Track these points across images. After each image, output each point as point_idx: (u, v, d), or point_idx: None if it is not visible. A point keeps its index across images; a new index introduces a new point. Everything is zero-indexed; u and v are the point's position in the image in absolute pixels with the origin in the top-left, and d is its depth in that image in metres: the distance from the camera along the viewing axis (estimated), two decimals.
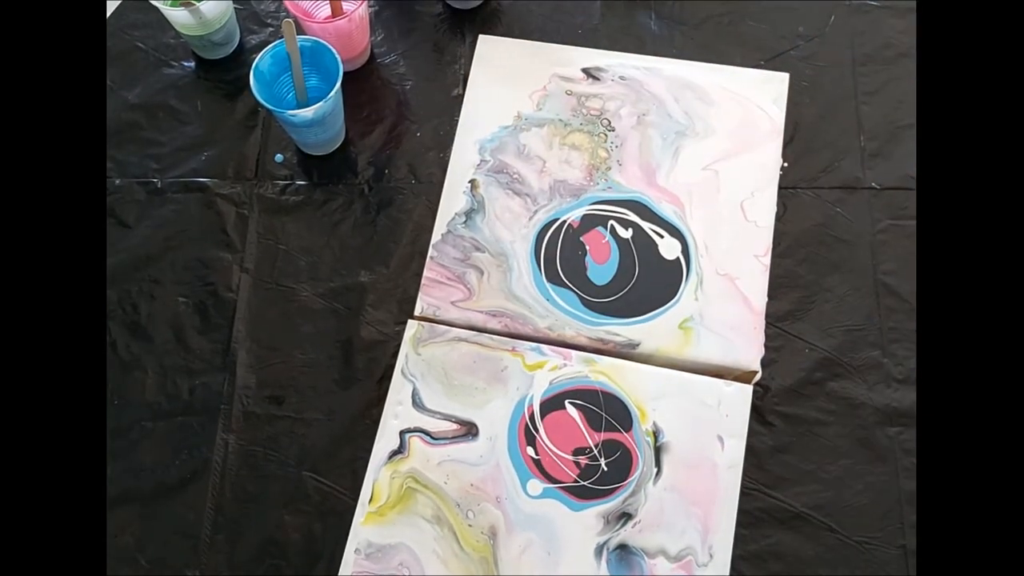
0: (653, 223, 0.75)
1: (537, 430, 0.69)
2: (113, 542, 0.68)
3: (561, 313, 0.72)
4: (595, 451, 0.68)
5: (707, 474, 0.67)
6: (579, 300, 0.73)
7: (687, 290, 0.73)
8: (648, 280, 0.73)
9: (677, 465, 0.67)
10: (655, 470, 0.67)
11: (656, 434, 0.68)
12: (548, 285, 0.73)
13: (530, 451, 0.68)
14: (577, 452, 0.68)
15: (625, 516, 0.66)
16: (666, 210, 0.75)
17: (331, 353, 0.73)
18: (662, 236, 0.75)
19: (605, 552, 0.65)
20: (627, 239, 0.75)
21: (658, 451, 0.68)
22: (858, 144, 0.78)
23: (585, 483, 0.67)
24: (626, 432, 0.68)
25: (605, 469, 0.67)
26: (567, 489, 0.67)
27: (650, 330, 0.71)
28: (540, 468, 0.68)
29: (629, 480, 0.67)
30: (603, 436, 0.68)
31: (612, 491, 0.67)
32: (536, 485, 0.67)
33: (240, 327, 0.74)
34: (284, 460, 0.70)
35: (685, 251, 0.74)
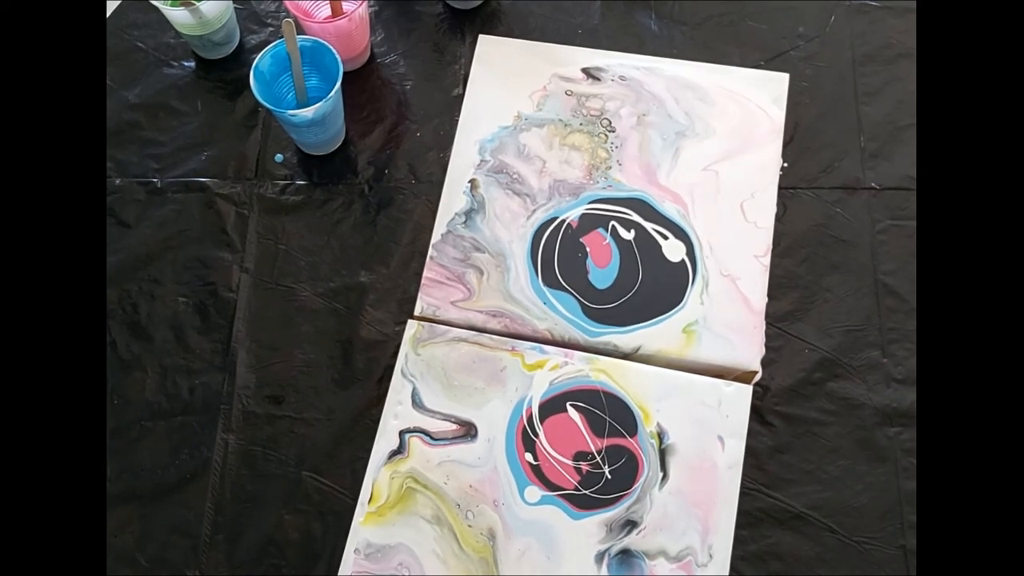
0: (656, 223, 0.75)
1: (536, 434, 0.68)
2: (113, 542, 0.68)
3: (560, 318, 0.72)
4: (598, 458, 0.68)
5: (707, 475, 0.67)
6: (579, 306, 0.72)
7: (693, 293, 0.72)
8: (652, 284, 0.73)
9: (681, 467, 0.67)
10: (660, 475, 0.67)
11: (661, 436, 0.68)
12: (545, 289, 0.73)
13: (528, 457, 0.68)
14: (578, 457, 0.68)
15: (630, 524, 0.66)
16: (669, 209, 0.75)
17: (331, 353, 0.73)
18: (666, 237, 0.75)
19: (607, 558, 0.65)
20: (629, 240, 0.75)
21: (663, 454, 0.67)
22: (858, 144, 0.78)
23: (587, 492, 0.67)
24: (631, 437, 0.68)
25: (609, 477, 0.67)
26: (567, 497, 0.67)
27: (653, 334, 0.71)
28: (539, 474, 0.67)
29: (634, 487, 0.67)
30: (607, 442, 0.68)
31: (615, 500, 0.66)
32: (534, 492, 0.67)
33: (240, 327, 0.74)
34: (284, 460, 0.70)
35: (691, 253, 0.74)
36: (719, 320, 0.71)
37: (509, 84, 0.81)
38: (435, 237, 0.76)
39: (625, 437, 0.68)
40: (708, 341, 0.71)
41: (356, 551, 0.66)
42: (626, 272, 0.73)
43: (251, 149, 0.81)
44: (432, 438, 0.69)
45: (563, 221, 0.75)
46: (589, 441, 0.68)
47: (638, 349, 0.71)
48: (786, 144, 0.78)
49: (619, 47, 0.83)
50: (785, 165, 0.77)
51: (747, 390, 0.69)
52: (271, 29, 0.86)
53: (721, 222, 0.75)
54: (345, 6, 0.80)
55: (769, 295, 0.72)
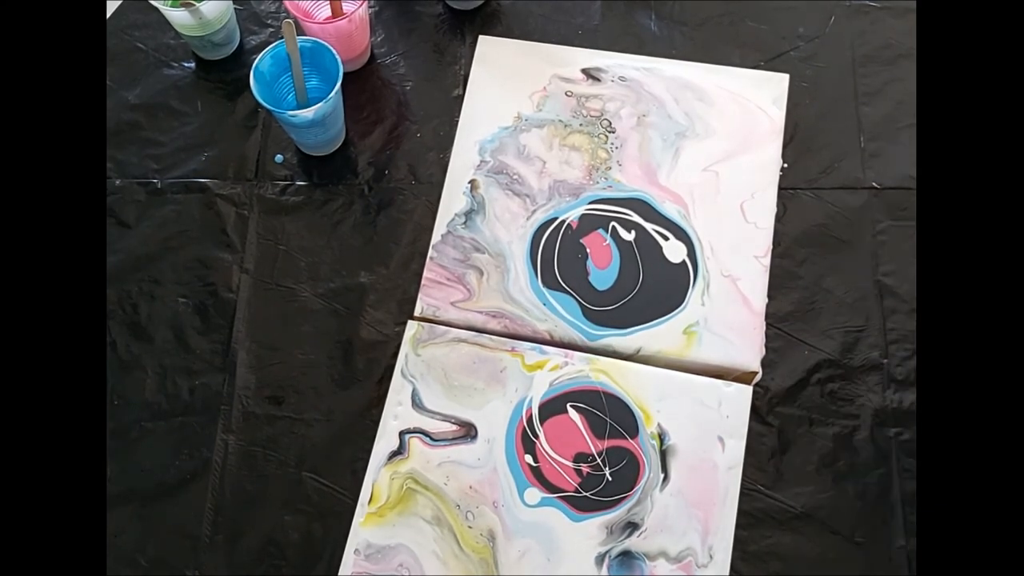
0: (657, 224, 0.75)
1: (536, 436, 0.68)
2: (113, 542, 0.68)
3: (560, 320, 0.72)
4: (599, 460, 0.67)
5: (708, 475, 0.67)
6: (579, 308, 0.72)
7: (694, 295, 0.72)
8: (653, 285, 0.73)
9: (682, 468, 0.67)
10: (662, 476, 0.67)
11: (662, 437, 0.68)
12: (545, 290, 0.73)
13: (528, 459, 0.68)
14: (579, 459, 0.68)
15: (631, 526, 0.66)
16: (670, 210, 0.75)
17: (331, 353, 0.73)
18: (667, 238, 0.74)
19: (607, 559, 0.65)
20: (630, 241, 0.74)
21: (664, 455, 0.67)
22: (858, 145, 0.78)
23: (587, 494, 0.66)
24: (632, 439, 0.68)
25: (610, 479, 0.67)
26: (567, 499, 0.67)
27: (654, 336, 0.71)
28: (539, 476, 0.67)
29: (635, 489, 0.66)
30: (607, 443, 0.68)
31: (616, 502, 0.66)
32: (534, 494, 0.67)
33: (240, 327, 0.74)
34: (284, 460, 0.70)
35: (691, 254, 0.74)
36: (720, 321, 0.71)
37: (509, 85, 0.81)
38: (435, 238, 0.76)
39: (626, 438, 0.68)
40: (708, 342, 0.71)
41: (356, 552, 0.66)
42: (626, 273, 0.73)
43: (251, 150, 0.81)
44: (432, 439, 0.69)
45: (563, 222, 0.75)
46: (589, 442, 0.68)
47: (638, 351, 0.71)
48: (786, 144, 0.78)
49: (619, 48, 0.83)
50: (785, 165, 0.77)
51: (747, 391, 0.69)
52: (271, 30, 0.86)
53: (721, 223, 0.75)
54: (345, 7, 0.80)
55: (769, 295, 0.72)
